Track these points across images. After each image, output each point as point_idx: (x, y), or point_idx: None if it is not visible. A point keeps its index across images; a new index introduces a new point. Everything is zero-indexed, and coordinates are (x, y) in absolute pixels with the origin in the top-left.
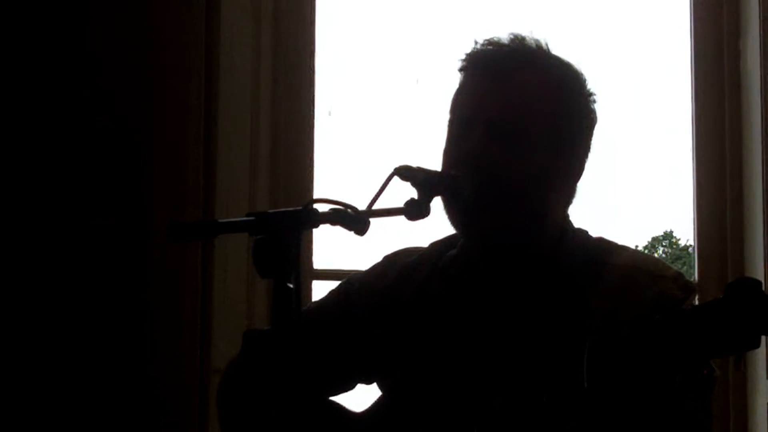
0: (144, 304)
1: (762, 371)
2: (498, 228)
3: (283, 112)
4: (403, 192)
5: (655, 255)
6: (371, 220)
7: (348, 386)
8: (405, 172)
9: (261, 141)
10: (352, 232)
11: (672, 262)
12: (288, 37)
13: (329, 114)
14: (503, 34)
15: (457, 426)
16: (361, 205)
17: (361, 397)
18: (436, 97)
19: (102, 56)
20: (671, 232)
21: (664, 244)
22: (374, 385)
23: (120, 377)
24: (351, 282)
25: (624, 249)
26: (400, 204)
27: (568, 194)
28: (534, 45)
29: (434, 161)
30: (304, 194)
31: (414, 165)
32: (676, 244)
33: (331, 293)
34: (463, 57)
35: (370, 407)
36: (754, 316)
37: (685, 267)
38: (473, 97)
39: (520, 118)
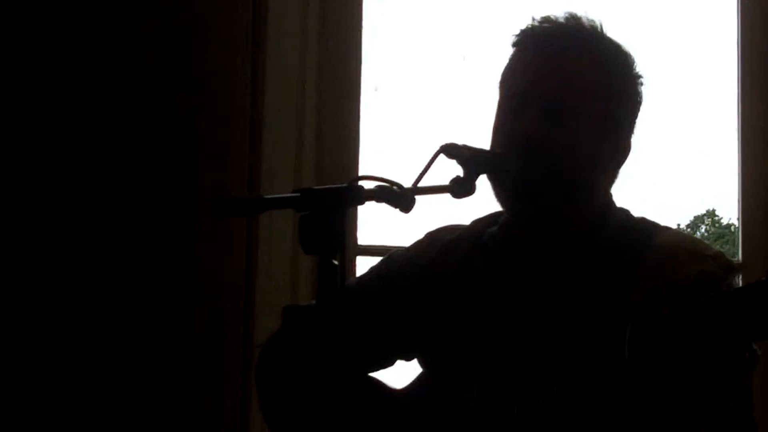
0: (189, 280)
1: None
2: (545, 206)
3: (329, 88)
4: (449, 169)
5: (698, 233)
6: (416, 197)
7: (388, 362)
8: (451, 150)
9: (307, 117)
10: (397, 210)
11: (714, 241)
12: (335, 13)
13: (375, 90)
14: (559, 13)
15: (498, 402)
16: (407, 183)
17: (399, 376)
18: (483, 75)
19: (149, 32)
20: (714, 210)
21: (706, 222)
22: (412, 364)
23: (164, 353)
24: (393, 258)
25: (665, 229)
26: (446, 182)
27: (613, 175)
28: (589, 25)
29: (480, 139)
30: (350, 171)
31: (459, 143)
32: (719, 222)
33: (373, 269)
34: (518, 33)
35: (410, 384)
36: None
37: (728, 246)
38: (528, 73)
39: (574, 97)
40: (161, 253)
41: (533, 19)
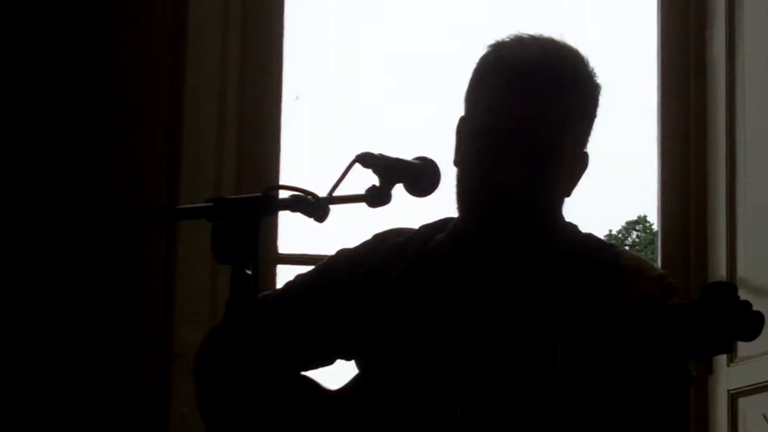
0: (106, 289)
1: (723, 359)
2: (512, 240)
3: (249, 96)
4: (368, 178)
5: (629, 239)
6: (331, 207)
7: (328, 360)
8: (366, 159)
9: (228, 126)
10: (311, 219)
11: (645, 246)
12: (256, 21)
13: (297, 98)
14: (533, 34)
15: (430, 409)
16: (326, 192)
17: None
18: (405, 83)
19: (70, 43)
20: (645, 216)
21: (637, 228)
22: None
23: (81, 362)
24: (339, 256)
25: (611, 246)
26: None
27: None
28: (567, 54)
29: (400, 147)
30: (271, 180)
31: (376, 152)
32: (650, 228)
33: (317, 267)
34: (489, 56)
35: (345, 385)
36: (728, 321)
37: (657, 252)
38: (507, 111)
39: (557, 139)
40: (78, 261)
41: (506, 40)
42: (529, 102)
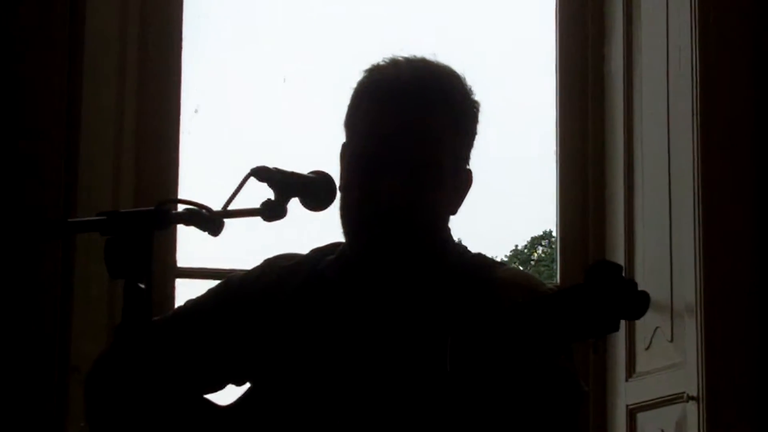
0: (2, 302)
1: (621, 374)
2: (392, 247)
3: (148, 109)
4: (267, 192)
5: (535, 254)
6: (229, 220)
7: (219, 386)
8: (261, 173)
9: (125, 139)
10: (206, 233)
11: (551, 262)
12: (155, 34)
13: (195, 112)
14: (407, 56)
15: (319, 426)
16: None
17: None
18: (303, 96)
19: None
20: (550, 231)
21: (543, 243)
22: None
23: None
24: (230, 281)
25: (501, 265)
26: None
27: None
28: (442, 73)
29: (299, 159)
30: (169, 193)
31: (271, 166)
32: (555, 243)
33: (210, 291)
34: (366, 78)
35: (235, 401)
36: (614, 300)
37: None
38: (384, 134)
39: (433, 158)
40: None
41: (381, 63)
42: (403, 122)
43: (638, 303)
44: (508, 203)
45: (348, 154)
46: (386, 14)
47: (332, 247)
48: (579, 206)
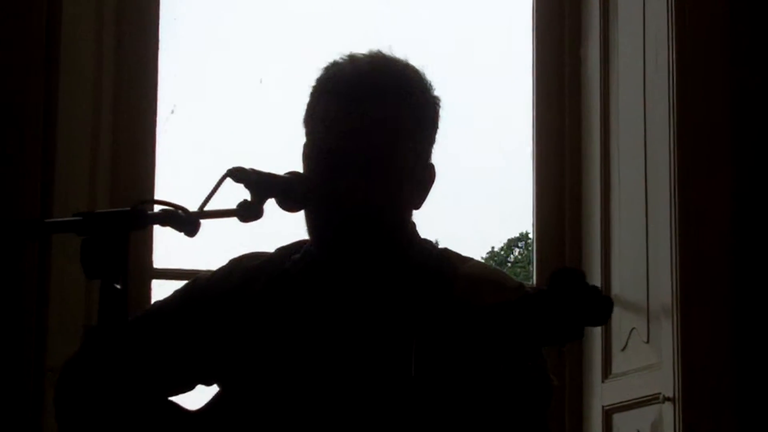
0: None
1: (597, 375)
2: (356, 242)
3: (125, 110)
4: (243, 193)
5: (511, 256)
6: (205, 220)
7: (188, 386)
8: (238, 174)
9: (102, 140)
10: (182, 234)
11: (528, 263)
12: (131, 35)
13: (172, 112)
14: (365, 52)
15: (289, 425)
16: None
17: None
18: (280, 97)
19: None
20: (527, 233)
21: (519, 245)
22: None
23: None
24: (197, 282)
25: (468, 260)
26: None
27: (419, 204)
28: (399, 67)
29: (276, 160)
30: (146, 194)
31: (247, 167)
32: (532, 245)
33: (177, 292)
34: (323, 74)
35: (205, 405)
36: (577, 307)
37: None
38: (342, 129)
39: (391, 152)
40: None
41: (338, 60)
42: (359, 116)
43: (601, 309)
44: (484, 205)
45: (307, 152)
46: (362, 16)
47: (298, 246)
48: (555, 208)
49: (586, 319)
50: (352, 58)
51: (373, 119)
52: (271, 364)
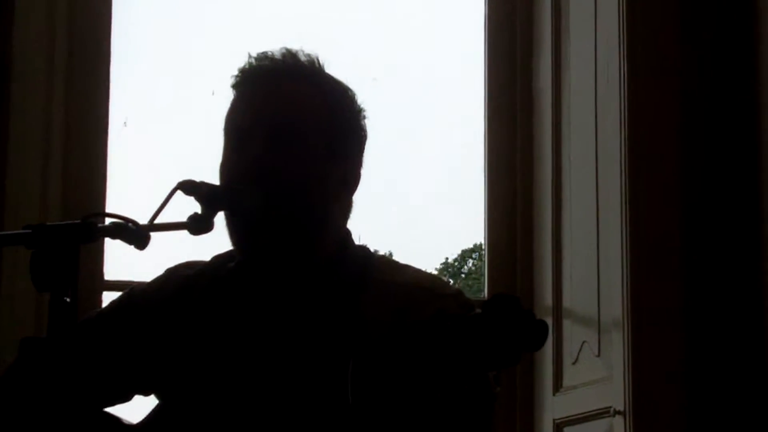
0: None
1: (548, 388)
2: (277, 240)
3: (76, 122)
4: (194, 205)
5: (465, 267)
6: (154, 234)
7: (125, 397)
8: (188, 187)
9: (53, 152)
10: (132, 246)
11: (481, 274)
12: (83, 47)
13: (124, 125)
14: (275, 49)
15: None
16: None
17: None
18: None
19: None
20: (481, 245)
21: (473, 256)
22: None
23: None
24: (133, 292)
25: (406, 267)
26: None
27: (346, 206)
28: (306, 59)
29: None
30: (97, 206)
31: (197, 179)
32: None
33: (113, 302)
34: (237, 73)
35: (144, 418)
36: (512, 332)
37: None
38: (249, 109)
39: (297, 124)
40: None
41: (250, 56)
42: (264, 97)
43: (536, 334)
44: (438, 215)
45: (222, 147)
46: (314, 31)
47: (234, 253)
48: (507, 221)
49: (521, 343)
50: (263, 53)
51: (277, 95)
52: (205, 375)
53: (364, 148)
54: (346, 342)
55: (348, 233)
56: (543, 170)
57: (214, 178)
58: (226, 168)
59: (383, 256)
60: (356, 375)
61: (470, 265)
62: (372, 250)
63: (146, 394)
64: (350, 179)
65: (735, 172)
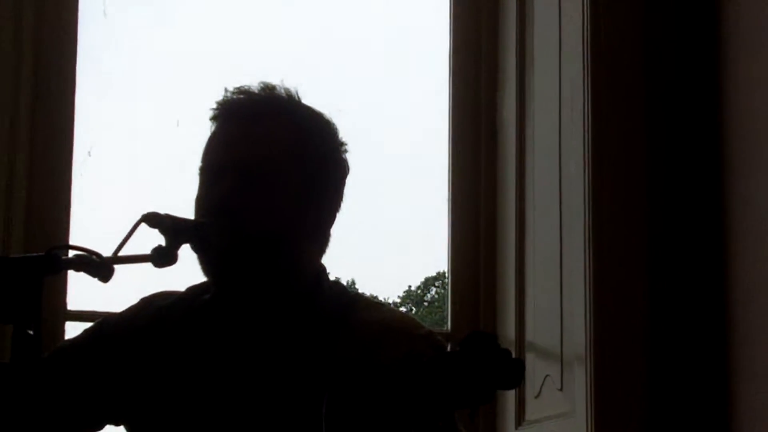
0: None
1: (511, 422)
2: (248, 276)
3: (40, 153)
4: (158, 238)
5: (428, 295)
6: (117, 266)
7: (97, 425)
8: (152, 219)
9: (16, 183)
10: (96, 279)
11: (444, 303)
12: (48, 76)
13: (89, 155)
14: (254, 83)
15: None
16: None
17: None
18: (197, 140)
19: None
20: (444, 272)
21: (436, 284)
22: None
23: None
24: (106, 321)
25: (379, 305)
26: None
27: (322, 240)
28: (284, 94)
29: (193, 204)
30: (61, 238)
31: (162, 212)
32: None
33: (86, 331)
34: (214, 106)
35: None
36: (488, 370)
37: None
38: (223, 145)
39: (270, 164)
40: None
41: (226, 91)
42: (238, 133)
43: (513, 372)
44: (401, 242)
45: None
46: (281, 62)
47: (208, 284)
48: (470, 252)
49: (498, 382)
50: (239, 89)
51: (251, 132)
52: (176, 407)
53: (344, 182)
54: (318, 378)
55: (323, 268)
56: (507, 200)
57: (179, 210)
58: (198, 204)
59: (358, 293)
60: (330, 411)
61: (433, 293)
62: (346, 284)
63: (117, 424)
64: (327, 214)
65: (701, 206)
